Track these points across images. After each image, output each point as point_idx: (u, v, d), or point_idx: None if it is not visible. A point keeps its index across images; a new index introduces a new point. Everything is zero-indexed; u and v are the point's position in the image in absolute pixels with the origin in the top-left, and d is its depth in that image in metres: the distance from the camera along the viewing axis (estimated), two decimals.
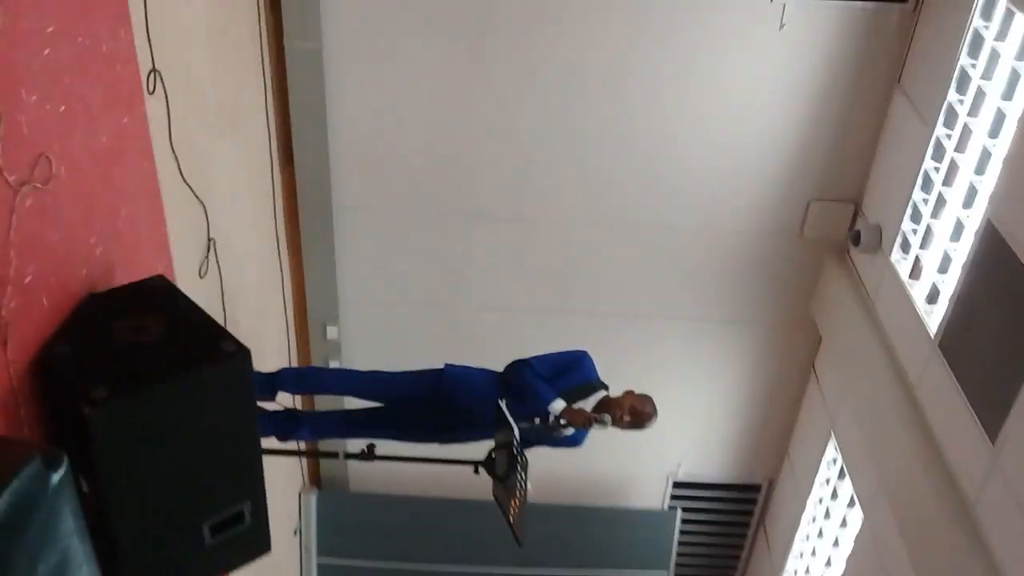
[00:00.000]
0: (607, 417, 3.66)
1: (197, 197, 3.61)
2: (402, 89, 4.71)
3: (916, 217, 4.39)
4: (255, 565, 2.99)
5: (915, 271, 4.38)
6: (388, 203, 5.05)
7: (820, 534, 5.30)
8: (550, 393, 3.71)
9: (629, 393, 3.83)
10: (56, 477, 1.74)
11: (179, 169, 3.42)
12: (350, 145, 4.83)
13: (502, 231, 5.13)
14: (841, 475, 5.09)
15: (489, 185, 4.99)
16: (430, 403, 3.90)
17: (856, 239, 4.77)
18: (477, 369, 3.96)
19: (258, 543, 2.88)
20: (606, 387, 3.90)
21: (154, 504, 2.53)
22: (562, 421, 3.63)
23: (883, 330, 4.50)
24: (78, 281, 2.74)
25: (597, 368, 3.94)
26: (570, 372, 3.88)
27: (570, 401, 3.81)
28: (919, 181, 4.33)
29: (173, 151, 3.36)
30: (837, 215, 4.99)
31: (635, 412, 3.76)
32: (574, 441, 3.89)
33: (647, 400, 3.81)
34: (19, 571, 1.64)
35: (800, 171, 4.89)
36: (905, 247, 4.46)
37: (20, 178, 2.40)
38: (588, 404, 3.82)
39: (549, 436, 3.77)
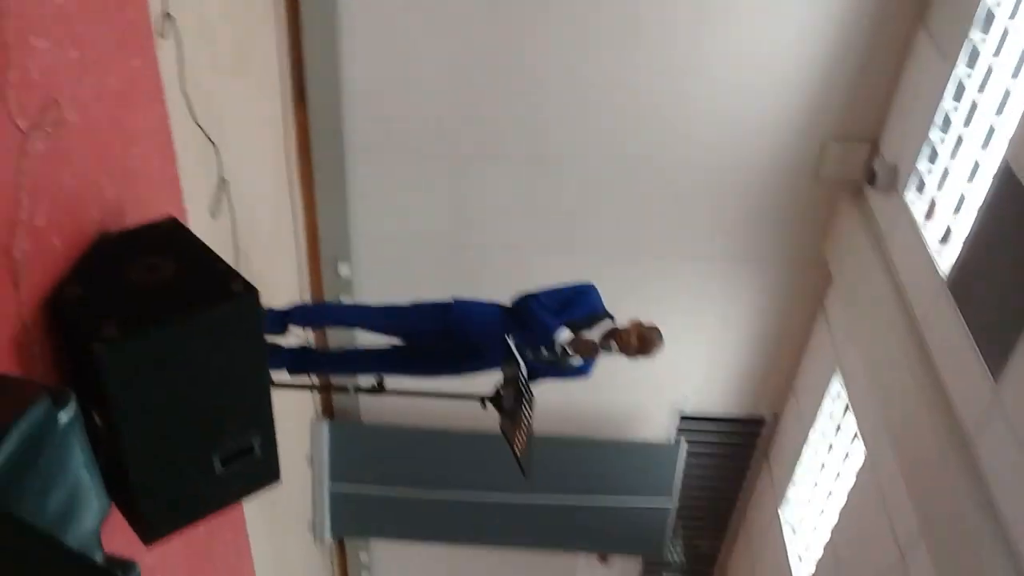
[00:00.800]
0: (613, 344, 3.71)
1: (209, 138, 3.64)
2: (414, 28, 4.70)
3: (933, 157, 4.36)
4: (268, 492, 3.11)
5: (930, 212, 4.37)
6: (400, 141, 5.07)
7: (822, 467, 5.40)
8: (555, 323, 3.77)
9: (635, 323, 3.89)
10: (65, 415, 1.83)
11: (191, 111, 3.46)
12: (363, 84, 4.83)
13: (513, 169, 5.14)
14: (845, 410, 5.15)
15: (500, 123, 4.99)
16: (438, 336, 3.97)
17: (872, 178, 4.75)
18: (485, 303, 4.02)
19: (268, 473, 2.98)
20: (612, 317, 3.96)
21: (166, 437, 2.62)
22: (568, 351, 3.68)
23: (894, 270, 4.51)
24: (90, 223, 2.79)
25: (604, 302, 3.99)
26: (576, 304, 3.93)
27: (576, 331, 3.88)
28: (938, 121, 4.29)
29: (185, 93, 3.39)
30: (853, 154, 4.95)
31: (642, 338, 3.82)
32: (582, 371, 3.96)
33: (653, 329, 3.86)
34: (31, 504, 1.74)
35: (817, 109, 4.84)
36: (921, 187, 4.43)
37: (30, 123, 2.46)
38: (595, 334, 3.86)
39: (557, 367, 3.85)
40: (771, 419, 6.18)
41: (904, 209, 4.49)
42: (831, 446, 5.30)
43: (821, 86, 4.75)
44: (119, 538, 2.70)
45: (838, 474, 5.16)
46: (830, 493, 5.25)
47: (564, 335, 3.73)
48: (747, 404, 6.12)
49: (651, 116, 4.92)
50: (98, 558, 2.01)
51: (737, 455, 6.40)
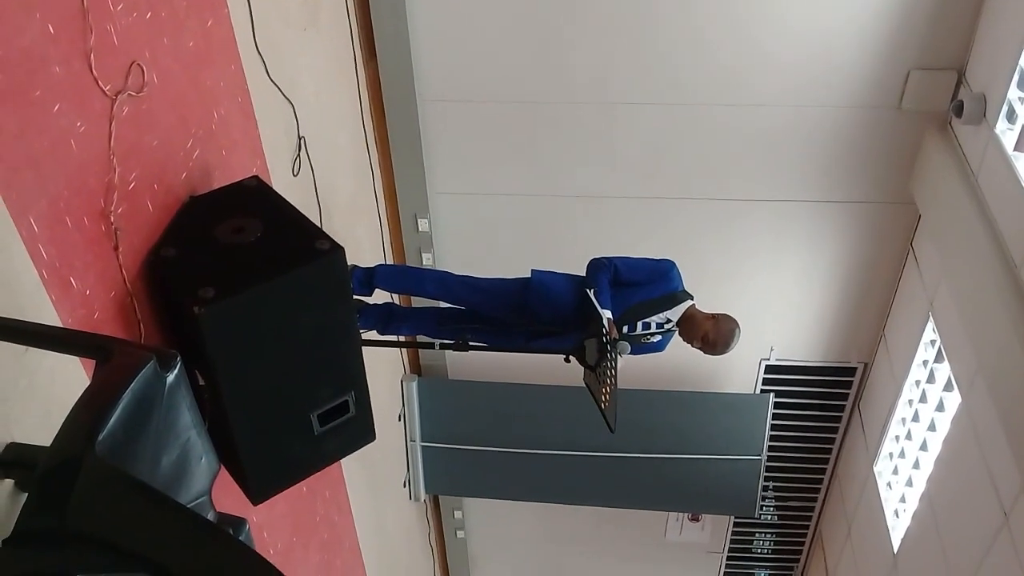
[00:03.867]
0: (625, 347, 3.63)
1: (285, 96, 3.65)
2: None
3: (1023, 84, 4.16)
4: (364, 451, 3.14)
5: (1021, 143, 4.16)
6: (472, 93, 5.00)
7: (916, 417, 5.25)
8: (606, 303, 3.71)
9: (711, 317, 3.84)
10: (171, 376, 1.84)
11: (266, 68, 3.46)
12: (432, 36, 4.77)
13: (585, 116, 5.04)
14: (939, 357, 5.00)
15: (571, 69, 4.88)
16: (518, 313, 3.97)
17: (959, 110, 4.53)
18: (563, 278, 3.99)
19: (364, 431, 3.01)
20: (691, 297, 3.91)
21: (266, 397, 2.67)
22: (604, 328, 3.58)
23: (986, 205, 4.32)
24: (179, 184, 2.84)
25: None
26: (655, 282, 3.88)
27: (652, 311, 3.84)
28: None
29: (259, 51, 3.39)
30: (939, 84, 4.72)
31: (706, 341, 3.81)
32: (656, 348, 3.98)
33: (728, 325, 3.81)
34: (145, 467, 1.77)
35: (900, 37, 4.61)
36: (1011, 117, 4.22)
37: (115, 87, 2.47)
38: (674, 315, 3.87)
39: (632, 342, 3.81)
40: (862, 368, 6.03)
41: (994, 140, 4.28)
42: (924, 395, 5.15)
43: (903, 12, 4.53)
44: (228, 497, 2.75)
45: (932, 424, 5.02)
46: (924, 443, 5.11)
47: (605, 313, 3.64)
48: (836, 353, 5.97)
49: (722, 53, 4.76)
50: (211, 517, 2.03)
51: (827, 407, 6.27)
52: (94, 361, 1.86)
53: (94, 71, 2.37)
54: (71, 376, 2.28)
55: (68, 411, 1.70)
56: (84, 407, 1.71)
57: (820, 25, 4.62)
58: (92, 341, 2.00)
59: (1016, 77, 4.14)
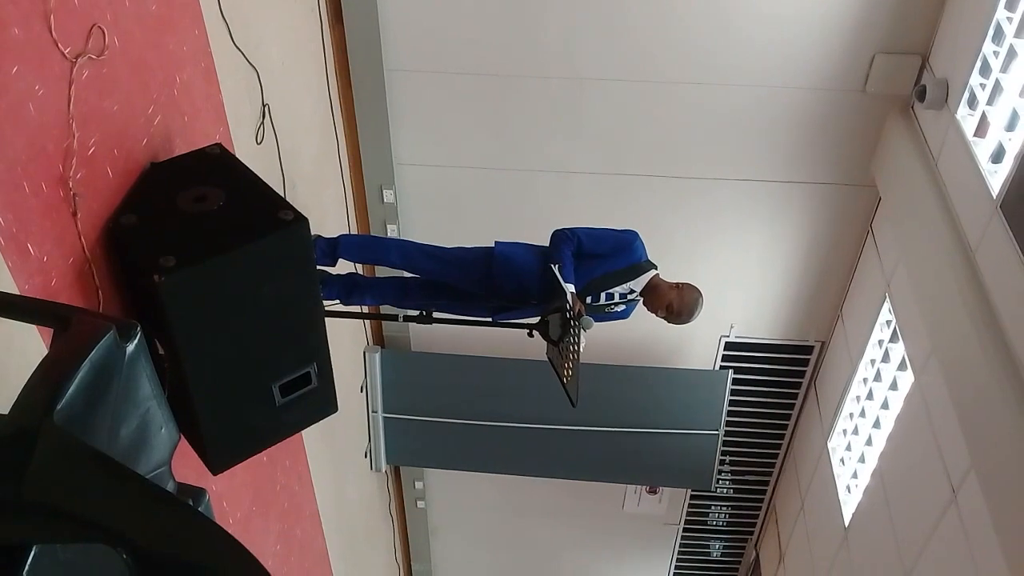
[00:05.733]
0: (589, 322, 3.60)
1: (249, 62, 3.59)
2: None
3: (985, 71, 4.19)
4: (325, 421, 3.13)
5: (981, 128, 4.22)
6: (440, 64, 4.97)
7: (870, 395, 5.35)
8: (569, 276, 3.73)
9: (675, 287, 3.87)
10: (130, 347, 1.82)
11: (230, 33, 3.41)
12: (400, 4, 4.72)
13: (553, 90, 5.03)
14: (894, 337, 5.08)
15: (542, 44, 4.86)
16: (482, 284, 3.97)
17: (921, 94, 4.59)
18: (526, 249, 3.98)
19: (326, 403, 3.00)
20: (655, 267, 3.93)
21: (227, 367, 2.64)
22: (568, 303, 3.59)
23: (944, 190, 4.39)
24: (139, 151, 2.79)
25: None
26: (619, 253, 3.90)
27: (616, 282, 3.86)
28: (991, 32, 4.11)
29: (223, 15, 3.33)
30: (903, 69, 4.78)
31: (671, 310, 3.84)
32: (622, 316, 4.00)
33: (691, 295, 3.85)
34: (103, 435, 1.75)
35: (866, 21, 4.66)
36: (972, 103, 4.28)
37: (75, 50, 2.42)
38: (637, 285, 3.90)
39: (597, 312, 3.83)
40: (819, 347, 6.13)
41: (954, 126, 4.35)
42: (879, 373, 5.24)
43: None
44: (187, 467, 2.74)
45: (886, 402, 5.11)
46: (877, 420, 5.21)
47: (567, 288, 3.65)
48: (794, 331, 6.06)
49: (689, 33, 4.77)
50: (170, 487, 2.02)
51: (784, 384, 6.38)
52: (51, 330, 1.83)
53: (54, 33, 2.31)
54: (28, 344, 2.25)
55: (24, 380, 1.68)
56: (42, 376, 1.69)
57: (788, 6, 4.64)
58: (50, 309, 1.97)
59: (978, 63, 4.20)
